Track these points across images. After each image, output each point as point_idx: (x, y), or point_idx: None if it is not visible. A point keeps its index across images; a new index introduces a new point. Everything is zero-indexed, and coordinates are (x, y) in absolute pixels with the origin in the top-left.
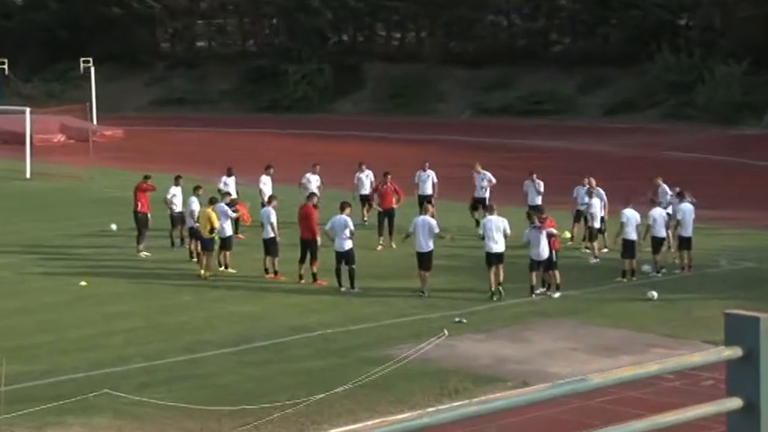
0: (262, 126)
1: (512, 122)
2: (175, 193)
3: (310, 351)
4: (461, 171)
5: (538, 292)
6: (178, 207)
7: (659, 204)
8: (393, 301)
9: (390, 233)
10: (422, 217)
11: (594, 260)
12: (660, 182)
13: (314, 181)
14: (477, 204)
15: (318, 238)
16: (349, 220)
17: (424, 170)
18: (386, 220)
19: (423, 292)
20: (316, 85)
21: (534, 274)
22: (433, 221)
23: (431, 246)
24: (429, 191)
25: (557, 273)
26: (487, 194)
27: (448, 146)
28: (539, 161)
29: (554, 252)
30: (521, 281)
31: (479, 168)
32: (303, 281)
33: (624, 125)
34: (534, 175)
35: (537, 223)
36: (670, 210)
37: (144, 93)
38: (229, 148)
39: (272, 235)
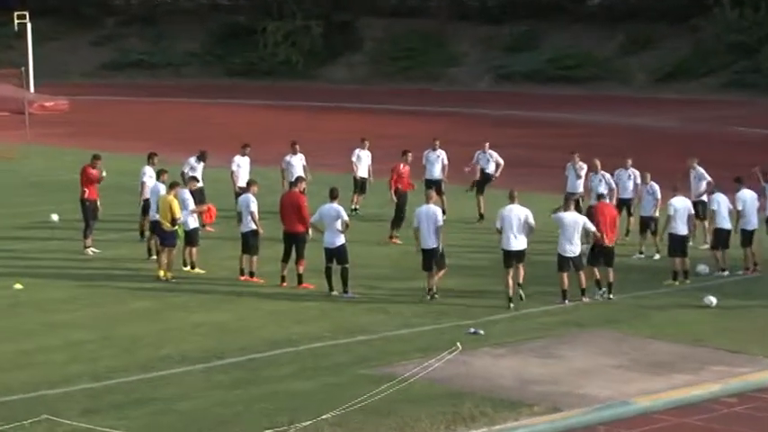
0: (235, 96)
1: (540, 91)
2: (152, 175)
3: (294, 369)
4: (477, 150)
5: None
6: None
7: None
8: (395, 308)
9: (399, 224)
10: (426, 206)
11: (640, 256)
12: (695, 164)
13: (296, 163)
14: (483, 185)
15: (310, 233)
16: (341, 209)
17: (434, 149)
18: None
19: (431, 295)
20: (300, 46)
21: (565, 274)
22: (439, 212)
23: (438, 242)
24: (438, 174)
25: (596, 271)
26: (494, 173)
27: (462, 120)
28: (572, 139)
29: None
30: (549, 283)
31: (487, 147)
32: (286, 284)
33: (676, 95)
34: (576, 156)
35: (561, 211)
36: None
37: (92, 55)
38: (196, 122)
39: (252, 227)
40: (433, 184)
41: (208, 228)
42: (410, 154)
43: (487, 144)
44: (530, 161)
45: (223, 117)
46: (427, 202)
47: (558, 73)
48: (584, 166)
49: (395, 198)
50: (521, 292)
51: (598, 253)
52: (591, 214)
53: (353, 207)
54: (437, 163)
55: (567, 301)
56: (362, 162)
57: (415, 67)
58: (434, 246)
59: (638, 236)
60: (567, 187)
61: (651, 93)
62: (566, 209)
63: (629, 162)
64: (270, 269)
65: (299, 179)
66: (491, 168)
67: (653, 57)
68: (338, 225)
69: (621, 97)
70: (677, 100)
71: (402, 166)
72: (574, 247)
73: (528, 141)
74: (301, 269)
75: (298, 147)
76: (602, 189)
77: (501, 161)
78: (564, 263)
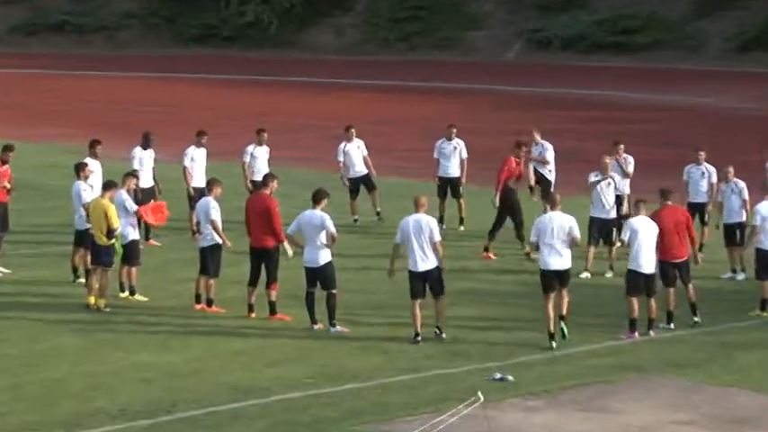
0: (188, 68)
1: (585, 62)
2: (93, 170)
3: (264, 426)
4: (506, 140)
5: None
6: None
7: None
8: (396, 347)
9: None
10: (415, 217)
11: (732, 275)
12: None
13: (261, 156)
14: (539, 186)
15: (288, 249)
16: (326, 218)
17: (449, 139)
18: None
19: (439, 332)
20: (274, 4)
21: (635, 299)
22: (433, 223)
23: (435, 261)
24: (455, 171)
25: (671, 292)
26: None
27: (486, 99)
28: (625, 124)
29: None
30: (601, 313)
31: (538, 138)
32: (255, 314)
33: (761, 68)
34: (621, 148)
35: (634, 213)
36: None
37: (0, 15)
38: (137, 103)
39: (213, 241)
40: (448, 184)
41: (152, 241)
42: (526, 147)
43: (537, 133)
44: (573, 153)
45: (173, 97)
46: (417, 209)
47: (611, 39)
48: (632, 160)
49: (497, 202)
50: (563, 326)
51: (667, 271)
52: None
53: (354, 218)
54: (453, 156)
55: (636, 334)
56: (353, 157)
57: (423, 31)
58: (432, 267)
59: (724, 249)
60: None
61: (729, 65)
62: (635, 212)
63: (703, 155)
64: (233, 295)
65: (268, 177)
66: (547, 166)
67: (732, 20)
68: (322, 238)
69: (691, 71)
70: (762, 74)
71: (515, 162)
72: (650, 263)
73: (570, 127)
74: (274, 295)
75: (265, 135)
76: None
77: (551, 155)
78: (636, 283)
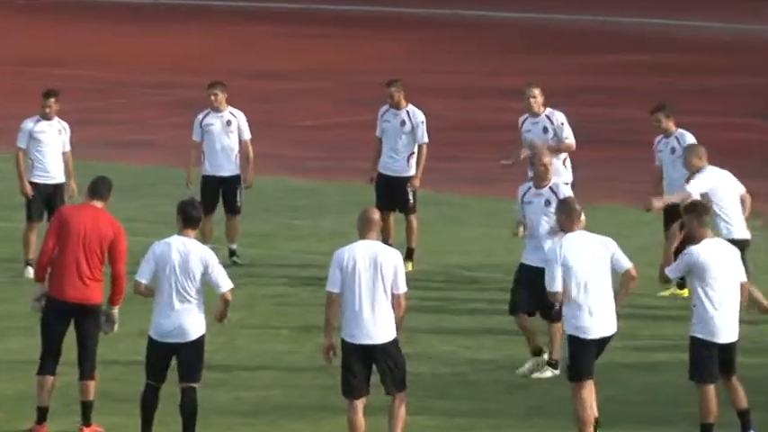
0: None
1: None
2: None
3: None
4: (498, 110)
5: None
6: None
7: None
8: None
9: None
10: (362, 244)
11: None
12: None
13: (50, 136)
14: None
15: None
16: (208, 253)
17: (396, 107)
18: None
19: None
20: None
21: (711, 387)
22: (396, 257)
23: (393, 330)
24: (403, 165)
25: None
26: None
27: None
28: (687, 77)
29: None
30: (656, 416)
31: (538, 104)
32: (47, 428)
33: None
34: (664, 117)
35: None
36: None
37: None
38: None
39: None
40: (391, 186)
41: None
42: None
43: (537, 93)
44: (604, 132)
45: None
46: (365, 233)
47: None
48: (690, 137)
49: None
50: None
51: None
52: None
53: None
54: (400, 138)
55: None
56: (222, 142)
57: None
58: (388, 340)
59: None
60: (664, 184)
61: None
62: (697, 234)
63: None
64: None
65: (99, 183)
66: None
67: None
68: (191, 292)
69: None
70: None
71: None
72: (731, 324)
73: (596, 83)
74: (92, 392)
75: (53, 102)
76: None
77: (569, 139)
78: (709, 357)
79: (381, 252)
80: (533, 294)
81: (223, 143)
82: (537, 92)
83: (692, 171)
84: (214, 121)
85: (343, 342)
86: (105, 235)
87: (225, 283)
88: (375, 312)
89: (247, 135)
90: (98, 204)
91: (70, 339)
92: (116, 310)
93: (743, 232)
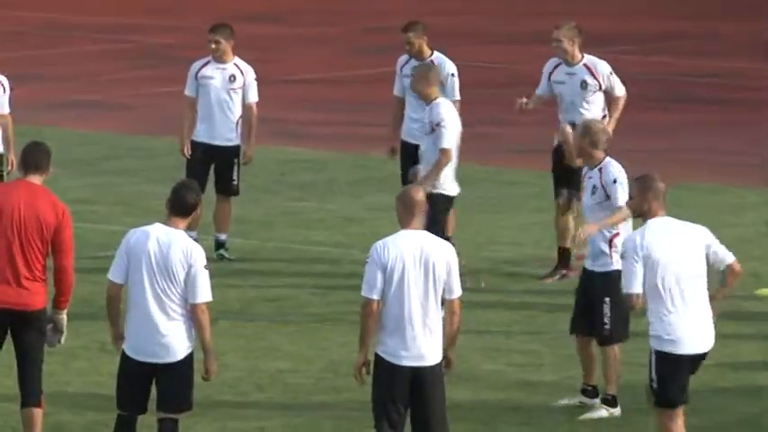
0: None
1: None
2: None
3: None
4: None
5: None
6: None
7: None
8: None
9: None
10: (404, 238)
11: None
12: None
13: None
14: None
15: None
16: (194, 247)
17: (418, 56)
18: None
19: None
20: None
21: None
22: (451, 255)
23: (438, 345)
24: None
25: None
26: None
27: None
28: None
29: None
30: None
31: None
32: None
33: None
34: None
35: None
36: None
37: None
38: None
39: None
40: (415, 159)
41: None
42: None
43: (566, 35)
44: (684, 88)
45: None
46: (407, 221)
47: None
48: None
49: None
50: None
51: None
52: None
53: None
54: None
55: None
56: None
57: None
58: (437, 361)
59: None
60: None
61: None
62: None
63: None
64: None
65: (36, 151)
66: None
67: None
68: (174, 298)
69: None
70: None
71: None
72: None
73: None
74: (37, 424)
75: None
76: None
77: (620, 91)
78: None
79: (432, 246)
80: (588, 309)
81: (222, 104)
82: (565, 33)
83: None
84: (214, 74)
85: (384, 362)
86: (46, 220)
87: (203, 294)
88: (427, 326)
89: (254, 97)
90: (35, 180)
91: (8, 355)
92: (64, 316)
93: None
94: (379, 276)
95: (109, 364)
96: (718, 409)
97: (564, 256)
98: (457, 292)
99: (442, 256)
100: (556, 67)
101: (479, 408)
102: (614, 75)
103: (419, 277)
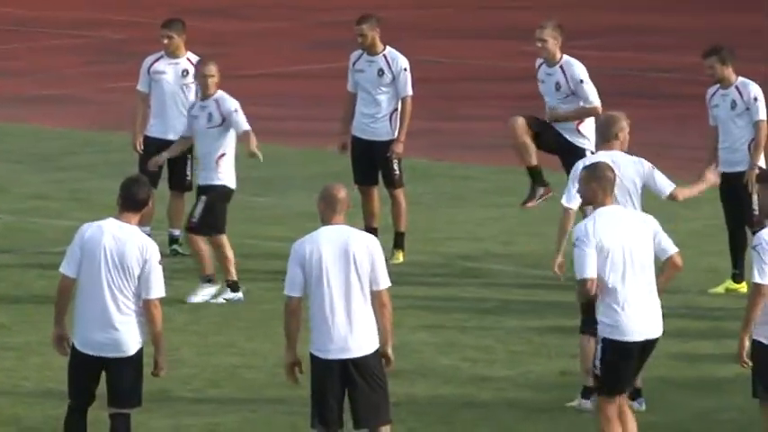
0: None
1: None
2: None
3: None
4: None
5: None
6: None
7: None
8: None
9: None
10: (328, 232)
11: None
12: None
13: None
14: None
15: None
16: (149, 244)
17: (371, 53)
18: None
19: None
20: None
21: None
22: (375, 247)
23: (375, 339)
24: (384, 127)
25: None
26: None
27: None
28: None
29: None
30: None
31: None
32: None
33: None
34: (719, 65)
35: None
36: None
37: None
38: None
39: None
40: (369, 152)
41: None
42: None
43: (549, 35)
44: (642, 84)
45: None
46: (329, 217)
47: None
48: (755, 92)
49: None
50: None
51: None
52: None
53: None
54: (378, 92)
55: None
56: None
57: None
58: (369, 352)
59: None
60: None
61: None
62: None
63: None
64: None
65: None
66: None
67: None
68: (127, 293)
69: None
70: None
71: None
72: None
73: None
74: None
75: None
76: None
77: (592, 100)
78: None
79: (352, 239)
80: None
81: (176, 98)
82: (550, 33)
83: None
84: (166, 69)
85: (313, 358)
86: None
87: (156, 289)
88: (351, 318)
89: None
90: None
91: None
92: None
93: None
94: (299, 273)
95: (65, 359)
96: (674, 405)
97: (533, 173)
98: (384, 283)
99: (364, 247)
100: (539, 66)
101: (437, 403)
102: (587, 84)
103: (339, 270)
